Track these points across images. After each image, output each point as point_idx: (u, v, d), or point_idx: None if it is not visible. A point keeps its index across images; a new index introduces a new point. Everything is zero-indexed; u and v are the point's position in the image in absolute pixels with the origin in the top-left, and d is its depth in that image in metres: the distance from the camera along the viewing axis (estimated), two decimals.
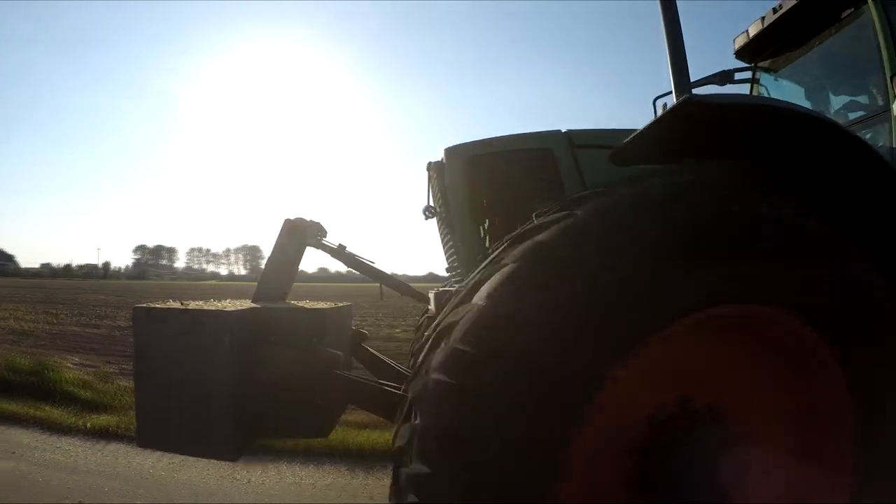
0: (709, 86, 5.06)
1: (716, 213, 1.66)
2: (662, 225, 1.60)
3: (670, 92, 5.44)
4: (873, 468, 1.88)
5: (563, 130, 2.81)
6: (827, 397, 1.89)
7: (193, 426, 2.28)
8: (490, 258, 1.75)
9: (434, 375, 1.54)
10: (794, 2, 3.82)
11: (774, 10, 4.06)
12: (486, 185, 2.77)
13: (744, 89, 4.96)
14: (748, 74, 4.86)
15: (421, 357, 1.69)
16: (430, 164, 3.10)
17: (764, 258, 1.72)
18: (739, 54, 4.74)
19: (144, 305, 2.36)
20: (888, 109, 3.35)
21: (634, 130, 3.10)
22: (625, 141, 2.20)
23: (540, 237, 1.62)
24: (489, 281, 1.60)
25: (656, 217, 1.62)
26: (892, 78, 3.29)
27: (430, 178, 3.15)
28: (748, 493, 1.59)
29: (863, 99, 4.25)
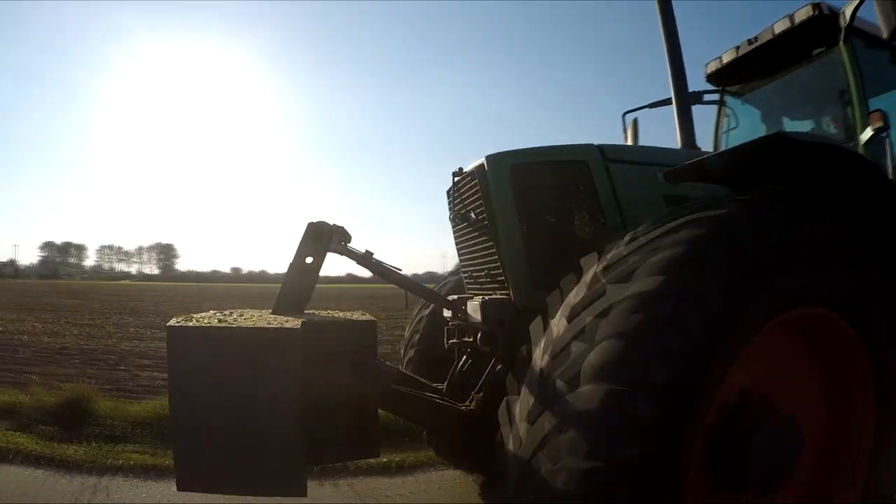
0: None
1: (807, 230, 2.05)
2: (777, 234, 1.96)
3: (641, 107, 5.83)
4: (883, 427, 2.31)
5: (596, 144, 3.02)
6: (856, 379, 2.30)
7: (255, 460, 1.96)
8: (639, 243, 1.95)
9: (605, 343, 1.67)
10: (770, 37, 4.22)
11: (750, 42, 4.44)
12: (527, 193, 2.86)
13: (711, 110, 5.40)
14: (716, 96, 5.27)
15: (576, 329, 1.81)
16: (460, 170, 3.15)
17: (832, 268, 2.09)
18: (710, 78, 5.11)
19: (181, 323, 2.04)
20: (854, 138, 3.79)
21: (660, 148, 3.50)
22: (691, 162, 2.51)
23: (696, 231, 1.86)
24: (652, 262, 1.80)
25: (773, 227, 1.98)
26: (861, 112, 3.73)
27: (457, 184, 3.21)
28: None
29: (823, 127, 4.78)
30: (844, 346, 2.25)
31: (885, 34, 3.30)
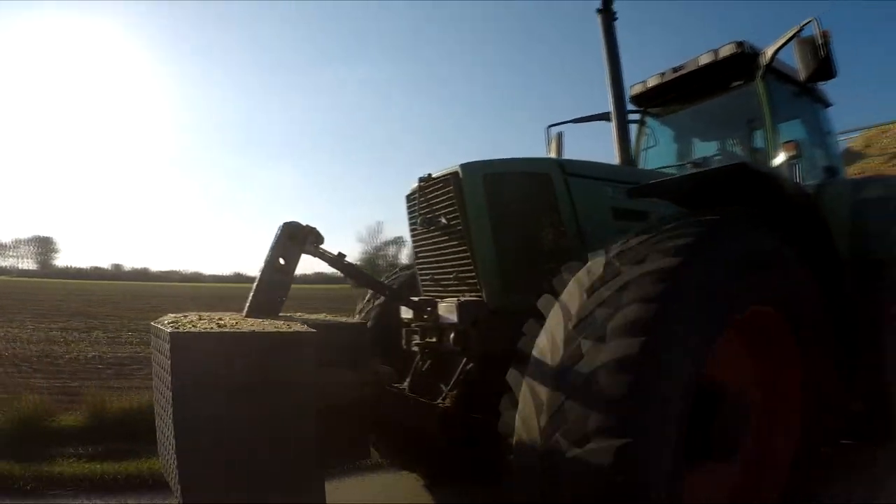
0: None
1: (766, 241, 2.52)
2: (745, 244, 2.40)
3: (564, 122, 6.14)
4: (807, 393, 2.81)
5: (556, 159, 3.25)
6: (785, 355, 2.80)
7: (272, 468, 1.90)
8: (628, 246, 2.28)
9: (631, 307, 1.96)
10: (695, 67, 4.65)
11: (674, 70, 4.86)
12: (498, 200, 3.04)
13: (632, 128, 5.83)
14: (638, 116, 5.69)
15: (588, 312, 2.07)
16: (429, 177, 3.23)
17: (777, 273, 2.53)
18: (633, 100, 5.46)
19: (181, 330, 1.93)
20: (767, 162, 4.26)
21: (609, 164, 3.80)
22: (654, 182, 3.01)
23: (684, 238, 2.20)
24: (661, 248, 2.14)
25: (752, 239, 2.46)
26: (774, 140, 4.21)
27: (424, 190, 3.30)
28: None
29: (728, 149, 5.31)
30: (778, 333, 2.71)
31: (802, 77, 3.78)
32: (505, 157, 3.25)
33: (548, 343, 2.13)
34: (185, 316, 2.47)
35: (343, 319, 2.82)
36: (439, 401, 2.97)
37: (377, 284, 3.24)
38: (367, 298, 4.28)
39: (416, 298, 3.38)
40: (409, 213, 3.50)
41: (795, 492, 2.71)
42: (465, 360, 3.01)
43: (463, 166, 3.06)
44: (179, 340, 1.83)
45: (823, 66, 3.62)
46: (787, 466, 2.73)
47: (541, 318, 2.29)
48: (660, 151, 5.48)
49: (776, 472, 2.73)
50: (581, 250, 2.91)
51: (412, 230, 3.53)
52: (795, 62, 3.78)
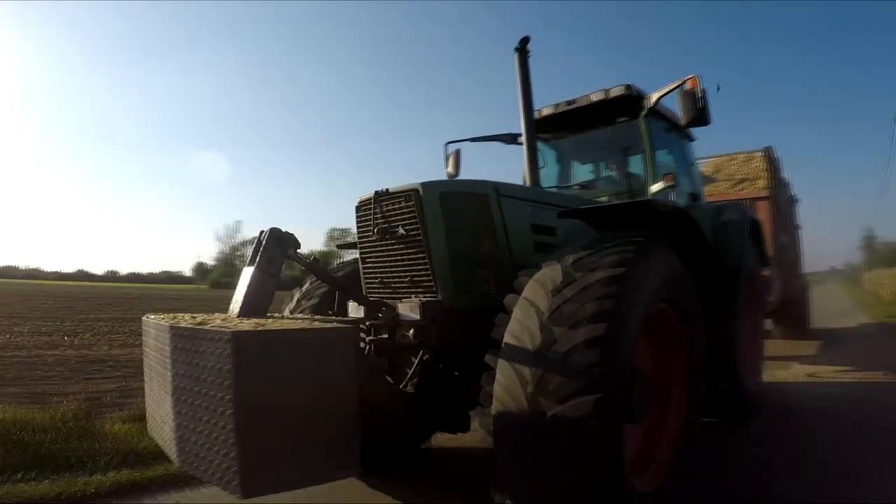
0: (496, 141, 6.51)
1: (671, 256, 3.29)
2: (659, 258, 3.13)
3: (462, 140, 6.62)
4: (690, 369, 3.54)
5: (491, 183, 3.68)
6: (678, 343, 3.51)
7: (320, 450, 2.13)
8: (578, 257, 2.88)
9: (591, 303, 2.55)
10: (586, 103, 5.34)
11: (568, 103, 5.52)
12: (450, 215, 3.43)
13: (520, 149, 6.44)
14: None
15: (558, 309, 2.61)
16: (386, 191, 3.55)
17: (675, 279, 3.28)
18: None
19: (234, 329, 2.03)
20: (644, 189, 5.05)
21: (529, 188, 4.31)
22: (581, 208, 3.72)
23: (625, 254, 2.84)
24: (607, 265, 2.73)
25: (665, 253, 3.20)
26: (652, 170, 5.01)
27: (380, 203, 3.59)
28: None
29: (602, 172, 6.14)
30: (670, 325, 3.42)
31: (683, 122, 4.57)
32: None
33: (525, 332, 2.63)
34: (194, 317, 2.63)
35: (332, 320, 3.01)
36: (401, 386, 3.38)
37: (343, 286, 3.45)
38: (295, 300, 4.44)
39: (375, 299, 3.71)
40: (361, 221, 3.74)
41: (683, 448, 3.41)
42: (421, 352, 3.39)
43: (423, 185, 3.41)
44: (241, 339, 1.95)
45: (701, 115, 4.45)
46: (677, 430, 3.43)
47: (507, 313, 2.81)
48: (546, 172, 6.13)
49: (671, 433, 3.41)
50: (509, 258, 3.53)
51: (362, 237, 3.76)
52: (677, 109, 4.58)
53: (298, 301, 4.41)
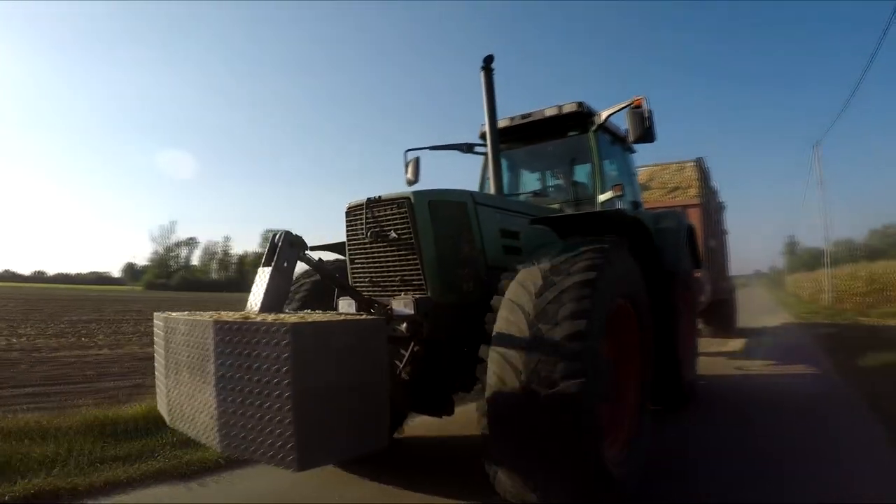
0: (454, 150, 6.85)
1: (629, 259, 3.76)
2: (622, 261, 3.59)
3: (422, 147, 6.91)
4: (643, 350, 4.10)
5: (469, 192, 4.05)
6: (634, 335, 4.01)
7: (359, 425, 2.42)
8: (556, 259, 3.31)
9: (568, 304, 2.96)
10: (540, 117, 5.76)
11: (523, 117, 5.92)
12: (437, 220, 3.78)
13: (479, 159, 6.81)
14: (485, 149, 6.64)
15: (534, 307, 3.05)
16: (378, 198, 3.88)
17: (632, 278, 3.78)
18: (483, 137, 6.32)
19: (296, 321, 2.30)
20: (593, 198, 5.50)
21: (498, 196, 4.69)
22: (552, 216, 4.15)
23: (596, 253, 3.30)
24: (580, 270, 3.13)
25: (625, 256, 3.67)
26: (601, 181, 5.47)
27: (372, 209, 3.91)
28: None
29: (548, 180, 6.58)
30: (628, 319, 3.90)
31: (631, 139, 5.04)
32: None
33: (514, 328, 3.04)
34: (220, 313, 2.85)
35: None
36: (397, 374, 3.70)
37: (343, 285, 3.64)
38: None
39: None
40: (351, 225, 4.04)
41: (640, 425, 3.90)
42: (412, 343, 3.68)
43: (414, 193, 3.76)
44: (297, 331, 2.21)
45: (647, 133, 4.92)
46: (634, 410, 3.92)
47: (493, 312, 3.25)
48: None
49: (629, 412, 3.90)
50: (483, 259, 3.92)
51: (353, 239, 4.06)
52: (627, 126, 5.05)
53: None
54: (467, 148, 6.66)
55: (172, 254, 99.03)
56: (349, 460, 4.30)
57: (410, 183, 6.52)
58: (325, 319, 2.46)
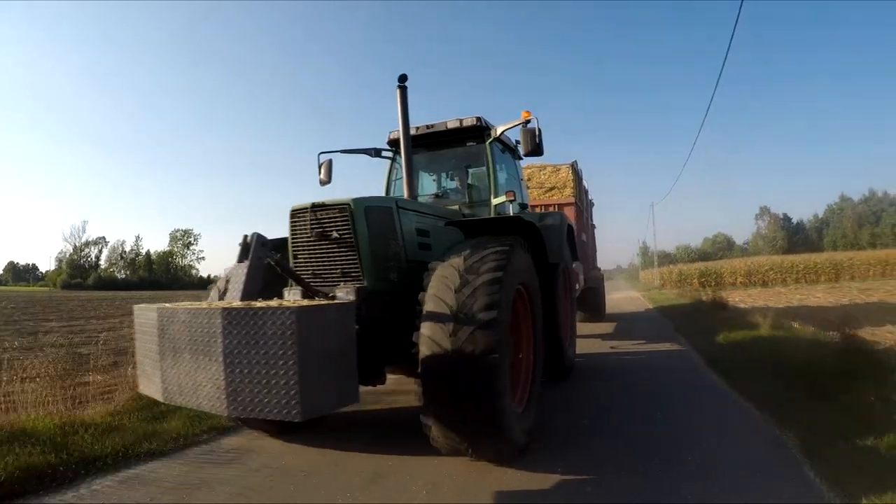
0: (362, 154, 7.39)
1: (525, 255, 4.55)
2: (521, 256, 4.52)
3: (334, 151, 7.40)
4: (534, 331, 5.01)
5: (394, 198, 4.75)
6: (527, 318, 4.93)
7: (340, 385, 3.09)
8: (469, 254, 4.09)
9: (481, 296, 3.76)
10: (443, 128, 6.50)
11: (427, 127, 6.61)
12: (371, 223, 4.46)
13: (384, 163, 7.41)
14: (391, 154, 7.25)
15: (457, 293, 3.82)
16: (322, 204, 4.46)
17: (528, 269, 4.54)
18: (390, 143, 7.07)
19: (302, 304, 3.00)
20: (488, 201, 6.33)
21: (418, 202, 5.39)
22: (464, 220, 4.94)
23: (500, 253, 4.08)
24: (489, 270, 3.91)
25: (520, 253, 4.48)
26: (495, 187, 6.30)
27: (316, 213, 4.50)
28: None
29: (443, 182, 7.33)
30: (523, 302, 4.75)
31: (523, 153, 5.91)
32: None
33: (440, 318, 3.79)
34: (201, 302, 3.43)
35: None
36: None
37: (298, 278, 4.21)
38: (222, 290, 5.07)
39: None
40: (296, 224, 4.62)
41: (533, 387, 4.79)
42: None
43: (353, 201, 4.44)
44: (302, 313, 2.84)
45: (537, 148, 5.81)
46: (530, 375, 4.83)
47: (419, 304, 3.98)
48: (400, 183, 7.17)
49: (526, 375, 4.80)
50: (405, 255, 4.68)
51: (297, 237, 4.65)
52: (520, 141, 5.90)
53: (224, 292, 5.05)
54: (375, 152, 7.25)
55: (83, 252, 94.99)
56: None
57: (323, 183, 7.00)
58: (315, 304, 3.10)
